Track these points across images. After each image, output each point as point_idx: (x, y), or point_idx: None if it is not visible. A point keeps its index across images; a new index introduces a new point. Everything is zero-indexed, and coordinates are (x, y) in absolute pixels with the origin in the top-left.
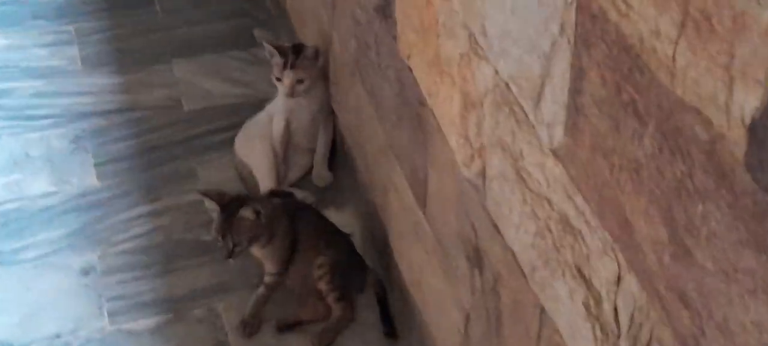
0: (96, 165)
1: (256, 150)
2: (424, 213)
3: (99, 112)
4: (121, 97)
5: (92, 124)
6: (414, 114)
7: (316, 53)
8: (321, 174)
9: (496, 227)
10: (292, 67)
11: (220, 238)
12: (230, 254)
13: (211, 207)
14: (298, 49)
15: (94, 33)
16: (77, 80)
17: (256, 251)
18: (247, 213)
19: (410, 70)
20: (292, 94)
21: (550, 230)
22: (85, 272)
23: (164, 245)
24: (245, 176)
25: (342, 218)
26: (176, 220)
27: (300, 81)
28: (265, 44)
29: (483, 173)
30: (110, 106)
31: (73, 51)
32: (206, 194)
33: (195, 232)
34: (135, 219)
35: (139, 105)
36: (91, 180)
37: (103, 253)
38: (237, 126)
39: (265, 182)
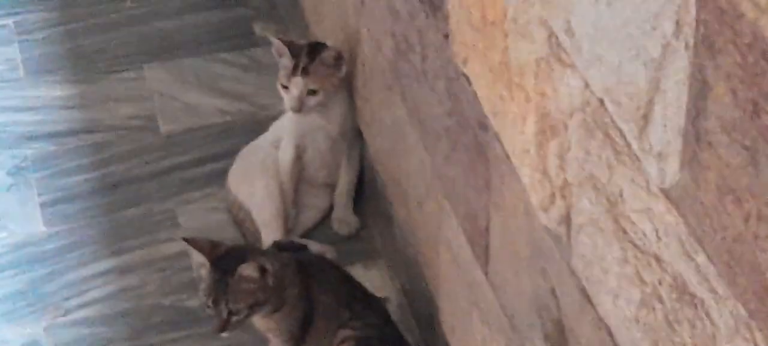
0: (42, 205)
1: (256, 187)
2: (485, 273)
3: (46, 135)
4: (75, 114)
5: (37, 150)
6: (472, 140)
7: (338, 58)
8: (344, 219)
9: (585, 294)
10: (304, 72)
11: (210, 304)
12: (224, 326)
13: (200, 261)
14: (314, 49)
15: (40, 28)
16: (17, 92)
17: (259, 321)
18: (249, 271)
19: (467, 80)
20: (299, 108)
21: (660, 300)
22: None
23: (133, 314)
24: (242, 222)
25: (373, 279)
26: (149, 279)
27: (312, 92)
28: (273, 40)
29: (567, 221)
30: (61, 126)
31: (12, 52)
32: (193, 243)
33: (174, 295)
34: (94, 278)
35: (100, 125)
36: (36, 225)
37: (51, 324)
38: (230, 154)
39: (269, 230)
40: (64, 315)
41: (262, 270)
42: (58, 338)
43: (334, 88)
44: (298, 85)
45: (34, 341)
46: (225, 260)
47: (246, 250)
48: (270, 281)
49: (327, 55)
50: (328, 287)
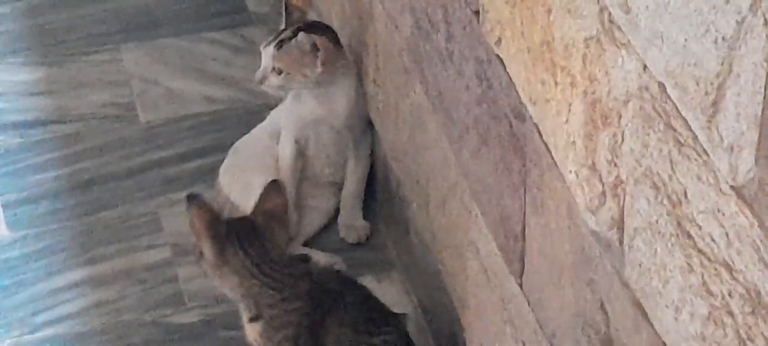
0: (5, 206)
1: (253, 186)
2: (520, 285)
3: (9, 125)
4: (42, 101)
5: None
6: (506, 131)
7: (315, 48)
8: (352, 223)
9: (640, 308)
10: (278, 46)
11: None
12: None
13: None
14: (308, 28)
15: (1, 2)
16: None
17: (248, 330)
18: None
19: (501, 63)
20: (261, 81)
21: (731, 314)
22: None
23: (109, 331)
24: None
25: (385, 293)
26: (127, 292)
27: (278, 71)
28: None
29: (620, 224)
30: (27, 115)
31: None
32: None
33: (156, 311)
34: (64, 290)
35: (71, 114)
36: None
37: (17, 343)
38: (219, 148)
39: None
40: (31, 332)
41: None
42: None
43: (303, 78)
44: (267, 55)
45: None
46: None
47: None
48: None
49: (302, 40)
50: (346, 317)
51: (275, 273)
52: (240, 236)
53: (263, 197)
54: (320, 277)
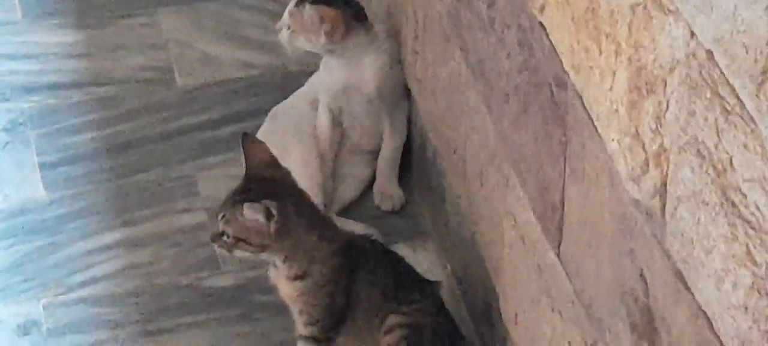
0: (42, 167)
1: (290, 154)
2: (557, 255)
3: (47, 86)
4: (79, 63)
5: (36, 104)
6: (547, 100)
7: (322, 21)
8: (387, 191)
9: (681, 277)
10: (299, 3)
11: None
12: (214, 238)
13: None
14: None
15: None
16: (14, 37)
17: (284, 285)
18: (251, 213)
19: (544, 30)
20: (278, 31)
21: None
22: (24, 330)
23: (143, 293)
24: None
25: (419, 262)
26: (162, 255)
27: (288, 28)
28: None
29: (663, 192)
30: (64, 77)
31: None
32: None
33: (191, 274)
34: (99, 252)
35: (107, 77)
36: (35, 190)
37: (51, 302)
38: (256, 114)
39: None
40: (65, 293)
41: (268, 215)
42: (59, 319)
43: (307, 43)
44: (289, 10)
45: (32, 320)
46: (257, 184)
47: (278, 185)
48: (270, 228)
49: (310, 12)
50: (376, 280)
51: (325, 223)
52: (283, 192)
53: (249, 155)
54: (352, 236)
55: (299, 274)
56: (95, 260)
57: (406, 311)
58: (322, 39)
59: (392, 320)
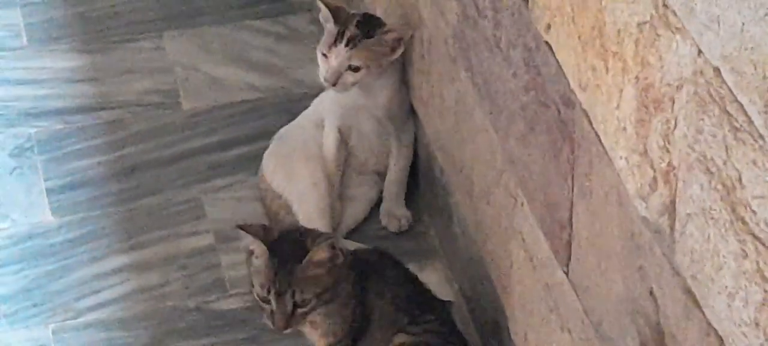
0: (49, 192)
1: (297, 175)
2: (566, 273)
3: (53, 112)
4: (85, 88)
5: (43, 129)
6: (554, 119)
7: (398, 41)
8: (394, 212)
9: (691, 295)
10: (350, 43)
11: (272, 297)
12: (288, 322)
13: (257, 250)
14: (368, 22)
15: None
16: (20, 63)
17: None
18: (322, 254)
19: (550, 50)
20: (334, 82)
21: None
22: None
23: (152, 317)
24: (276, 214)
25: (428, 282)
26: (171, 278)
27: (354, 69)
28: (319, 3)
29: (672, 210)
30: (70, 102)
31: (14, 16)
32: (248, 229)
33: (199, 297)
34: (108, 276)
35: (113, 101)
36: (42, 215)
37: (60, 327)
38: (262, 136)
39: (313, 226)
40: (74, 317)
41: (332, 249)
42: (68, 343)
43: (380, 69)
44: (339, 55)
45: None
46: (283, 245)
47: (301, 231)
48: (340, 260)
49: (387, 38)
50: (386, 290)
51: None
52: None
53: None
54: (358, 249)
55: (329, 297)
56: (103, 284)
57: (416, 331)
58: (396, 57)
59: (400, 338)
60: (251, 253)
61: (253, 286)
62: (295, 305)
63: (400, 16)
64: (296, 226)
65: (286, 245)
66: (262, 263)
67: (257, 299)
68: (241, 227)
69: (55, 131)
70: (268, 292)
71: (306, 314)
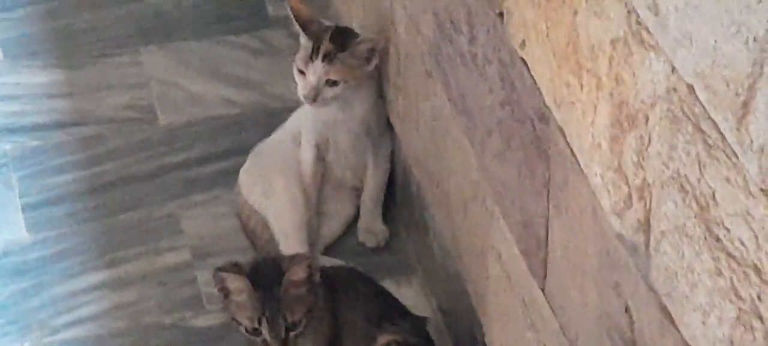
0: (24, 208)
1: (274, 190)
2: (542, 289)
3: (28, 127)
4: (61, 104)
5: (18, 145)
6: (530, 134)
7: (372, 51)
8: (371, 228)
9: (666, 312)
10: (327, 59)
11: (265, 326)
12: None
13: (239, 286)
14: (341, 34)
15: (20, 4)
16: None
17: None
18: (298, 273)
19: (526, 65)
20: (314, 98)
21: (760, 318)
22: None
23: (129, 334)
24: (253, 231)
25: (405, 298)
26: (147, 294)
27: (332, 83)
28: (293, 13)
29: (647, 227)
30: (46, 117)
31: None
32: (226, 270)
33: (177, 313)
34: (84, 292)
35: (90, 117)
36: (18, 232)
37: (36, 345)
38: (239, 151)
39: (289, 242)
40: (51, 335)
41: (309, 267)
42: None
43: (357, 81)
44: (316, 71)
45: None
46: (260, 275)
47: (273, 258)
48: (316, 277)
49: (361, 49)
50: (358, 303)
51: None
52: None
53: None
54: (324, 266)
55: (317, 315)
56: (80, 301)
57: (397, 330)
58: (371, 68)
59: (384, 338)
60: (226, 294)
61: (239, 323)
62: (287, 329)
63: (376, 30)
64: (267, 255)
65: (263, 273)
66: (246, 296)
67: (246, 334)
68: (221, 269)
69: (30, 147)
70: (259, 322)
71: (298, 335)
